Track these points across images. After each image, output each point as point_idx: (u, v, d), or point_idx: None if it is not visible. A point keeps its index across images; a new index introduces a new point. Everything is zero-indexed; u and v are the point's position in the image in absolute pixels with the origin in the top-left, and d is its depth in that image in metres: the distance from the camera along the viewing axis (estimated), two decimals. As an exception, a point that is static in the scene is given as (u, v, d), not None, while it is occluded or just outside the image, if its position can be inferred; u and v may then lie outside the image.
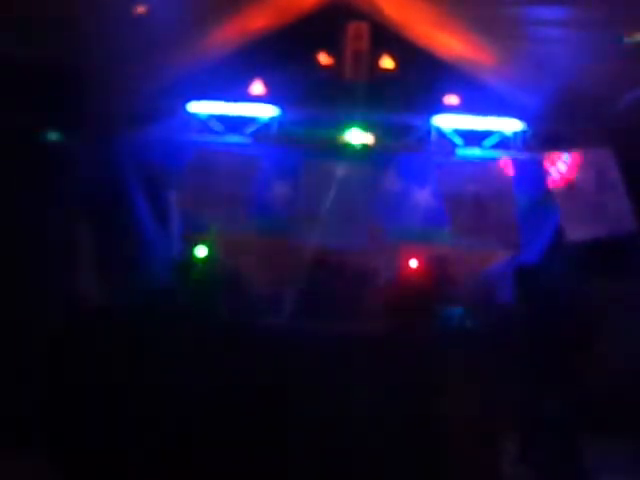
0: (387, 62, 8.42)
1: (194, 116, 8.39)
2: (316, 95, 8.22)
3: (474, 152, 8.40)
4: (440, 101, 8.38)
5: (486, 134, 8.47)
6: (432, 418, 4.95)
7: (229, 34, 8.05)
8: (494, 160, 8.21)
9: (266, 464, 5.03)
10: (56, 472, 4.62)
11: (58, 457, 4.73)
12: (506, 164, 8.12)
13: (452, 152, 8.31)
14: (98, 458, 4.80)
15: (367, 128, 8.25)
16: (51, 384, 5.26)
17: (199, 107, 8.36)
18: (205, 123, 8.43)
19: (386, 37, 8.31)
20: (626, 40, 6.23)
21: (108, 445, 4.78)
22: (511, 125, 8.39)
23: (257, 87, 8.35)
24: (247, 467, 5.04)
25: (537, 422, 5.32)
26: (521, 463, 5.36)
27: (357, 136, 8.27)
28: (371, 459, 4.98)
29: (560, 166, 7.80)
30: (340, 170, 8.17)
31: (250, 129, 8.45)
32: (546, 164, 7.85)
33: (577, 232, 6.69)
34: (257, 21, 8.08)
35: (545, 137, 8.26)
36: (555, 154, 7.85)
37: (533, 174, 8.08)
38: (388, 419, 5.08)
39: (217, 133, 8.43)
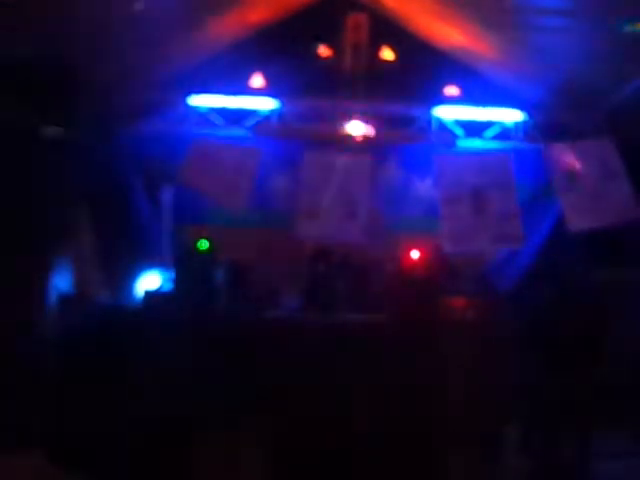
0: (387, 53, 8.38)
1: (194, 109, 8.38)
2: (316, 87, 8.19)
3: (475, 143, 8.37)
4: (440, 92, 8.35)
5: (487, 125, 8.44)
6: (433, 406, 4.97)
7: (228, 27, 8.04)
8: (495, 151, 8.17)
9: (268, 460, 5.07)
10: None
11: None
12: (507, 155, 8.08)
13: (453, 143, 8.27)
14: (100, 456, 4.83)
15: (367, 120, 8.22)
16: (52, 382, 5.28)
17: (199, 100, 8.36)
18: (205, 116, 8.42)
19: (385, 28, 8.28)
20: (627, 29, 6.20)
21: (107, 444, 4.81)
22: (512, 115, 8.37)
23: (257, 80, 8.32)
24: (248, 465, 5.07)
25: (539, 410, 5.33)
26: (522, 451, 5.38)
27: (357, 128, 8.24)
28: (373, 452, 5.00)
29: (561, 156, 7.75)
30: (340, 162, 8.13)
31: (250, 122, 8.44)
32: (547, 154, 7.81)
33: (579, 222, 6.64)
34: (256, 14, 8.07)
35: (546, 127, 8.23)
36: (556, 144, 7.81)
37: (534, 164, 8.03)
38: (391, 410, 5.09)
39: (217, 126, 8.42)
